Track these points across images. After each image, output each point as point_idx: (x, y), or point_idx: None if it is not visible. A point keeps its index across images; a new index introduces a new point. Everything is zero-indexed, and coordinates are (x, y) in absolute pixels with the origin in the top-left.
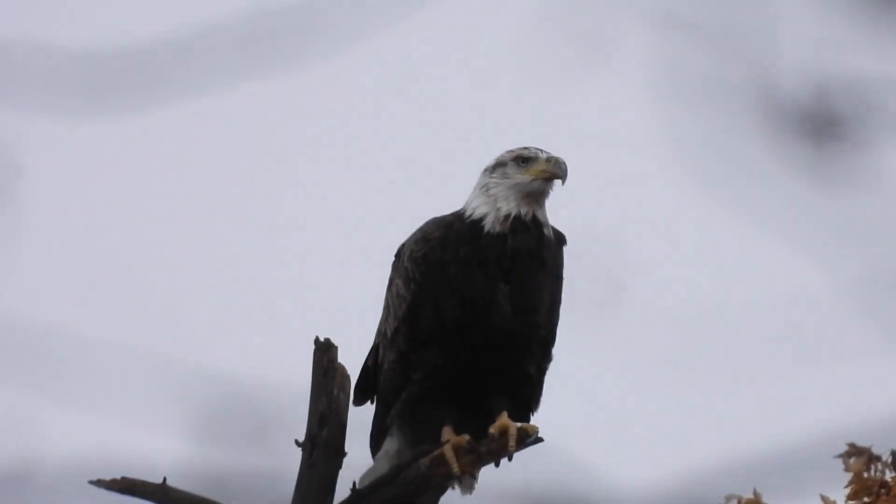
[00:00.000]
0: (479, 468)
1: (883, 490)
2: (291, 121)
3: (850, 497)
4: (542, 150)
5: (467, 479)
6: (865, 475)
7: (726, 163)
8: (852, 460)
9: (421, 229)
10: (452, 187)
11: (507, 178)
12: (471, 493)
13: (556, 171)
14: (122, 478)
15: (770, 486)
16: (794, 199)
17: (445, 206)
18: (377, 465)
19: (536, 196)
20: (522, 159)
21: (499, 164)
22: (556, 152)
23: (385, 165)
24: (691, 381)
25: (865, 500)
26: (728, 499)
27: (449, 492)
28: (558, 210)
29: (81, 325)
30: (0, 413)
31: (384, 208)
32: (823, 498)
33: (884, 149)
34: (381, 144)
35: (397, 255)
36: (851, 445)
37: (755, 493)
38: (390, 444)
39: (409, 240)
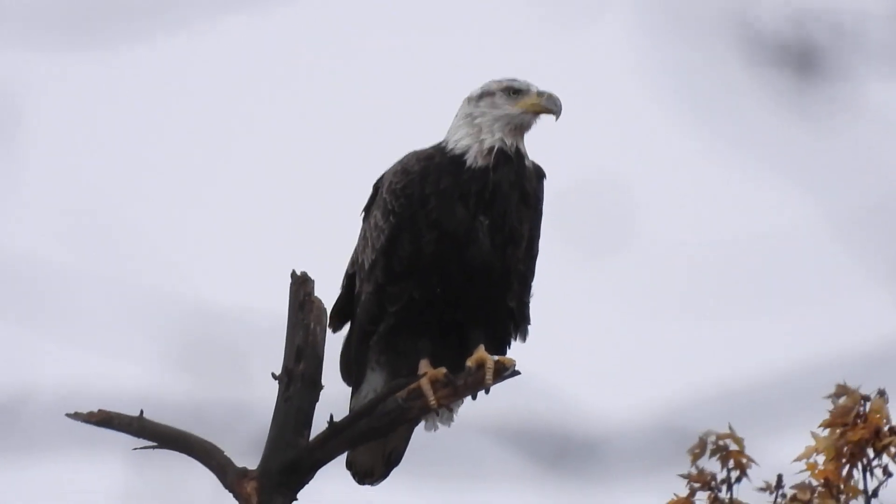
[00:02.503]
0: (456, 401)
1: (859, 420)
2: (268, 51)
3: (824, 424)
4: (531, 83)
5: (445, 412)
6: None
7: (709, 98)
8: (841, 400)
9: (400, 161)
10: (433, 118)
11: (496, 108)
12: (449, 426)
13: (549, 105)
14: (99, 410)
15: (753, 421)
16: (776, 132)
17: (424, 137)
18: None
19: (522, 128)
20: (513, 90)
21: (486, 94)
22: (543, 86)
23: (363, 95)
24: (675, 313)
25: (839, 429)
26: (704, 435)
27: (428, 423)
28: (545, 148)
29: (59, 257)
30: None
31: (363, 138)
32: (814, 435)
33: (862, 79)
34: (358, 74)
35: (375, 187)
36: (840, 386)
37: (730, 428)
38: (375, 381)
39: (387, 171)
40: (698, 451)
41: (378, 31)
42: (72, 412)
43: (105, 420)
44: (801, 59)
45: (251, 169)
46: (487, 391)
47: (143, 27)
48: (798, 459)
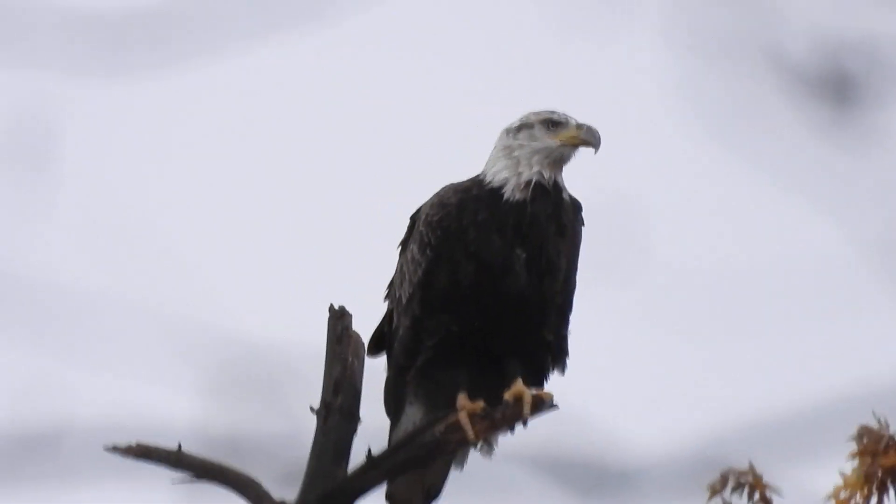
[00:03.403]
0: (495, 434)
1: (891, 448)
2: (308, 79)
3: (854, 454)
4: (570, 116)
5: (485, 444)
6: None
7: (742, 122)
8: (864, 441)
9: (437, 194)
10: (469, 152)
11: (534, 140)
12: (490, 458)
13: (588, 138)
14: (138, 444)
15: (786, 452)
16: (809, 157)
17: (460, 170)
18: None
19: (561, 161)
20: (551, 123)
21: (524, 126)
22: (582, 118)
23: (400, 127)
24: (708, 343)
25: (870, 458)
26: (725, 472)
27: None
28: (577, 171)
29: (98, 287)
30: (18, 376)
31: (400, 171)
32: (843, 474)
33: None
34: (397, 107)
35: (412, 220)
36: (863, 427)
37: (750, 465)
38: (414, 415)
39: (424, 204)
40: (719, 487)
41: (411, 61)
42: (110, 445)
43: (143, 453)
44: (836, 88)
45: (291, 202)
46: (525, 424)
47: (177, 48)
48: (828, 498)
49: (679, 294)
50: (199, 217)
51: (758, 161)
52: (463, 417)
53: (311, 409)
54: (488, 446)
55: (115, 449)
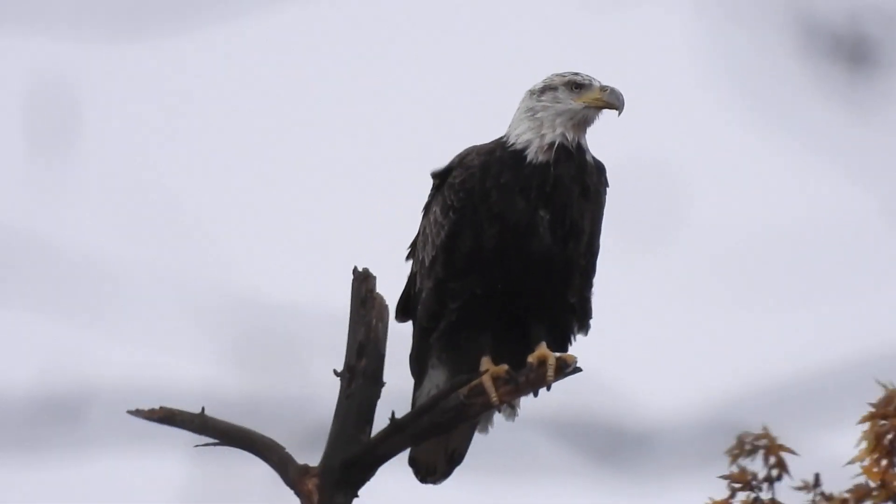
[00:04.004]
0: (518, 398)
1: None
2: (333, 44)
3: (864, 419)
4: (594, 78)
5: (507, 409)
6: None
7: (761, 87)
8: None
9: (460, 156)
10: (492, 112)
11: (558, 102)
12: (513, 421)
13: (612, 100)
14: (161, 407)
15: (804, 416)
16: (829, 122)
17: (484, 132)
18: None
19: (585, 123)
20: (575, 85)
21: (548, 88)
22: (606, 80)
23: (424, 89)
24: (729, 305)
25: (882, 421)
26: (742, 436)
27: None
28: (602, 137)
29: (121, 255)
30: (43, 343)
31: (425, 132)
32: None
33: None
34: (420, 69)
35: (435, 182)
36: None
37: (765, 429)
38: (437, 377)
39: (447, 166)
40: (737, 452)
41: (438, 23)
42: (134, 409)
43: (167, 417)
44: (855, 51)
45: (314, 163)
46: (549, 388)
47: (208, 18)
48: (853, 462)
49: (701, 258)
50: (221, 182)
51: (779, 124)
52: (486, 381)
53: (335, 372)
54: (511, 409)
55: (139, 412)
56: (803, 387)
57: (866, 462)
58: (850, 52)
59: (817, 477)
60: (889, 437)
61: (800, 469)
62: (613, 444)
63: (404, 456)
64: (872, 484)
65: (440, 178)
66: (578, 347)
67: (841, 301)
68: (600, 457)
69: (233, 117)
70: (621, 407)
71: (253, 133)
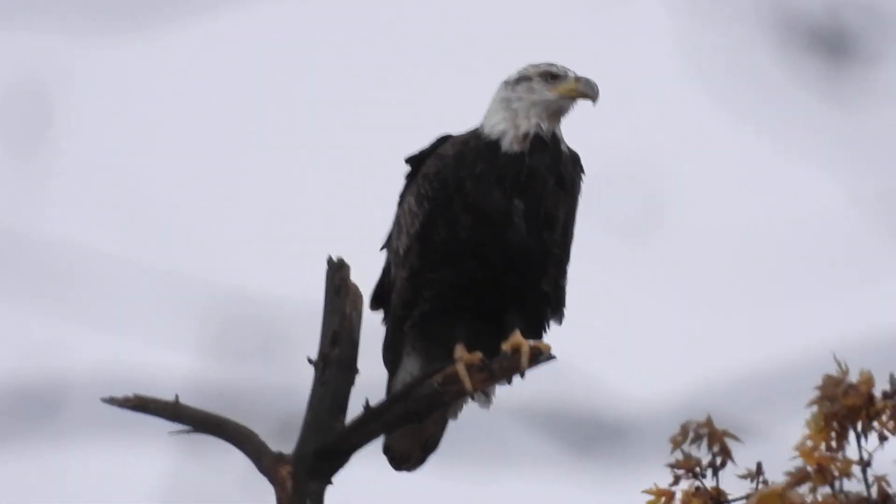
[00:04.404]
0: (492, 385)
1: (850, 391)
2: (305, 36)
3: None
4: (568, 69)
5: (482, 396)
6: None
7: (740, 80)
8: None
9: (433, 144)
10: (466, 102)
11: (533, 93)
12: (488, 408)
13: (587, 91)
14: (135, 395)
15: (775, 405)
16: (808, 115)
17: (460, 121)
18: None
19: (559, 114)
20: (550, 76)
21: (523, 78)
22: (581, 71)
23: (400, 78)
24: (705, 298)
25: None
26: (684, 427)
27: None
28: (578, 131)
29: (94, 242)
30: (18, 333)
31: (400, 122)
32: (808, 423)
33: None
34: (394, 59)
35: (409, 171)
36: (827, 376)
37: (708, 418)
38: (411, 366)
39: (421, 154)
40: (680, 439)
41: (416, 11)
42: (108, 397)
43: (141, 405)
44: (834, 43)
45: (290, 152)
46: (523, 376)
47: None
48: (795, 448)
49: (678, 249)
50: (197, 172)
51: (757, 116)
52: (461, 369)
53: (309, 360)
54: (486, 397)
55: (113, 400)
56: (772, 376)
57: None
58: (829, 45)
59: (759, 465)
60: (838, 418)
61: (750, 457)
62: (587, 433)
63: (379, 444)
64: (810, 468)
65: (414, 163)
66: (553, 336)
67: (814, 294)
68: (574, 445)
69: (211, 110)
70: (595, 395)
71: (229, 124)
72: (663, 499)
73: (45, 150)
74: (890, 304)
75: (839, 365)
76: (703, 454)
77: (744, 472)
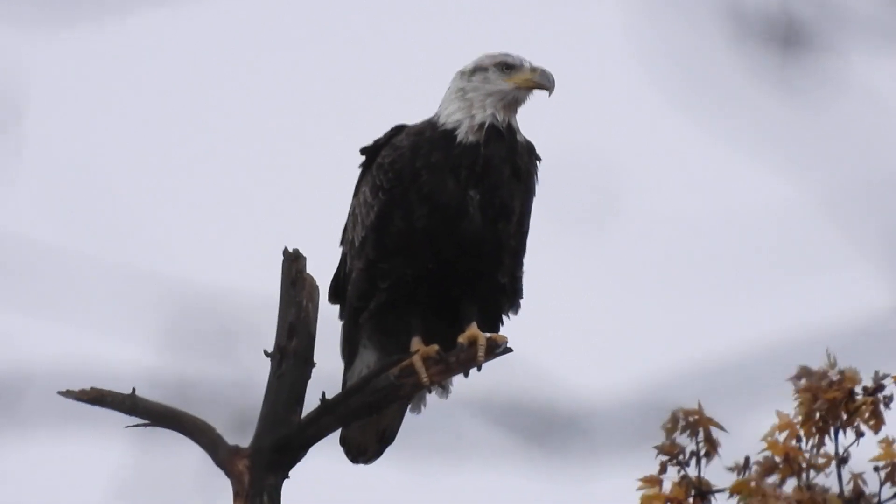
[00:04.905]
0: (449, 378)
1: (833, 385)
2: (258, 27)
3: (799, 390)
4: (524, 59)
5: (438, 388)
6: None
7: (695, 72)
8: (802, 381)
9: (388, 134)
10: (425, 92)
11: (488, 83)
12: (447, 398)
13: (542, 81)
14: (92, 388)
15: (737, 398)
16: (761, 106)
17: (416, 111)
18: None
19: (515, 104)
20: (506, 66)
21: (478, 69)
22: (537, 62)
23: (353, 69)
24: (661, 290)
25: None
26: (676, 411)
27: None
28: (536, 125)
29: (50, 237)
30: None
31: (354, 112)
32: (778, 413)
33: (847, 54)
34: (348, 49)
35: (364, 162)
36: (802, 368)
37: (699, 406)
38: (368, 357)
39: (376, 145)
40: (671, 426)
41: (369, 3)
42: (64, 390)
43: (97, 398)
44: (786, 34)
45: (243, 145)
46: (480, 368)
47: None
48: (763, 439)
49: (636, 242)
50: (151, 165)
51: (712, 110)
52: (417, 361)
53: (266, 352)
54: (443, 388)
55: (69, 393)
56: (734, 369)
57: (774, 437)
58: (781, 37)
59: (747, 459)
60: (820, 412)
61: (735, 450)
62: (544, 425)
63: (335, 436)
64: (777, 459)
65: (369, 154)
66: (509, 328)
67: (774, 285)
68: (531, 437)
69: (164, 102)
70: (552, 388)
71: (183, 117)
72: (652, 486)
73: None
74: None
75: (829, 358)
76: (688, 443)
77: (731, 463)
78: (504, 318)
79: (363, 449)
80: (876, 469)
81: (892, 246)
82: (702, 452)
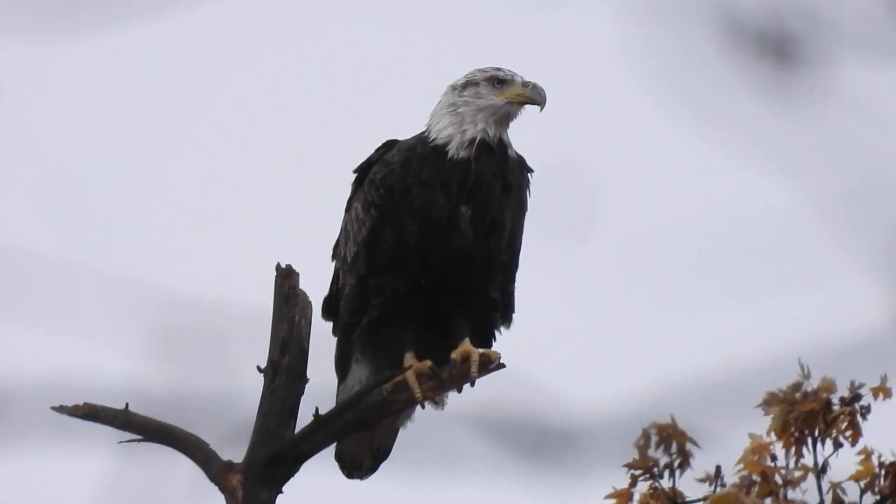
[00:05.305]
0: (442, 394)
1: (808, 397)
2: (255, 40)
3: (772, 401)
4: (516, 73)
5: (433, 404)
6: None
7: (688, 84)
8: (771, 407)
9: (379, 150)
10: (417, 107)
11: (479, 98)
12: (442, 409)
13: (534, 96)
14: (85, 403)
15: (726, 411)
16: (754, 118)
17: (408, 126)
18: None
19: (506, 119)
20: (497, 81)
21: (470, 83)
22: (528, 76)
23: (346, 84)
24: (654, 303)
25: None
26: (648, 427)
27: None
28: (526, 135)
29: (42, 249)
30: None
31: (348, 128)
32: (751, 435)
33: (839, 66)
34: (341, 65)
35: (356, 178)
36: (770, 394)
37: (672, 419)
38: (360, 373)
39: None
40: (643, 443)
41: (359, 18)
42: (57, 406)
43: (90, 413)
44: (779, 47)
45: (237, 160)
46: (473, 384)
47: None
48: (739, 461)
49: (625, 255)
50: (146, 177)
51: (706, 122)
52: (410, 376)
53: (259, 368)
54: (436, 404)
55: (62, 409)
56: (723, 382)
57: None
58: (775, 49)
59: (718, 469)
60: (796, 423)
61: (709, 462)
62: (537, 440)
63: (330, 451)
64: (755, 477)
65: (361, 169)
66: (502, 344)
67: (763, 298)
68: (524, 452)
69: (160, 113)
70: (545, 403)
71: (179, 128)
72: (621, 500)
73: None
74: (841, 308)
75: (802, 369)
76: (660, 456)
77: (702, 475)
78: (496, 333)
79: (358, 464)
80: (856, 480)
81: (886, 255)
82: (675, 464)
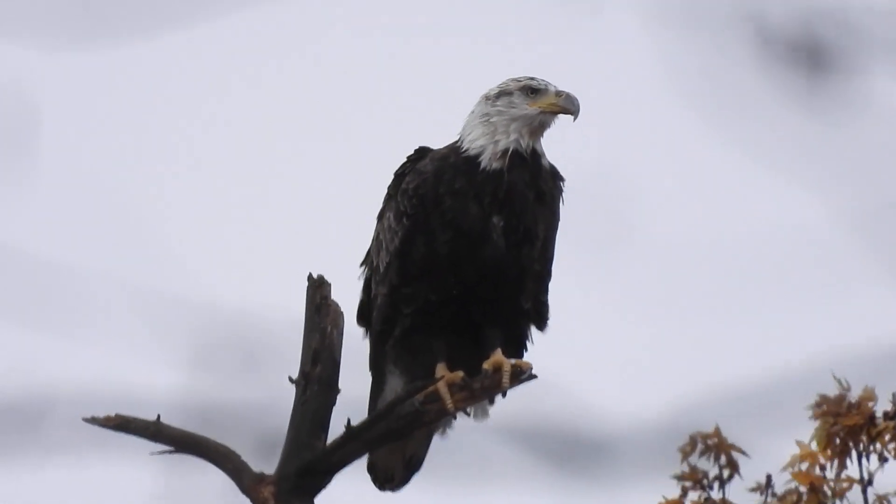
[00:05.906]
0: (474, 404)
1: (852, 409)
2: (288, 47)
3: (816, 415)
4: (549, 83)
5: (477, 411)
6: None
7: (719, 94)
8: (822, 408)
9: (411, 158)
10: (450, 116)
11: (513, 107)
12: (486, 420)
13: (568, 106)
14: (117, 415)
15: (759, 420)
16: (787, 128)
17: (440, 136)
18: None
19: (540, 129)
20: (531, 90)
21: (503, 93)
22: (562, 85)
23: (381, 93)
24: (686, 312)
25: (832, 418)
26: (694, 435)
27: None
28: (557, 144)
29: (76, 260)
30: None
31: (381, 138)
32: (799, 443)
33: (870, 76)
34: (376, 74)
35: (389, 188)
36: (822, 396)
37: (717, 428)
38: (394, 383)
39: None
40: (688, 450)
41: (393, 26)
42: (89, 417)
43: (122, 424)
44: (810, 56)
45: (271, 170)
46: (504, 395)
47: (159, 23)
48: (784, 469)
49: (659, 264)
50: (179, 188)
51: (738, 131)
52: (441, 387)
53: (290, 379)
54: (482, 412)
55: (94, 420)
56: (756, 393)
57: (797, 469)
58: (807, 58)
59: (769, 478)
60: (840, 436)
61: (755, 471)
62: (570, 450)
63: (362, 462)
64: (803, 488)
65: (395, 178)
66: (534, 353)
67: (798, 307)
68: (558, 462)
69: (191, 123)
70: (578, 412)
71: (211, 139)
72: None
73: (29, 165)
74: (873, 319)
75: (839, 382)
76: (709, 467)
77: (753, 485)
78: (528, 343)
79: (390, 475)
80: None
81: None
82: (724, 476)
